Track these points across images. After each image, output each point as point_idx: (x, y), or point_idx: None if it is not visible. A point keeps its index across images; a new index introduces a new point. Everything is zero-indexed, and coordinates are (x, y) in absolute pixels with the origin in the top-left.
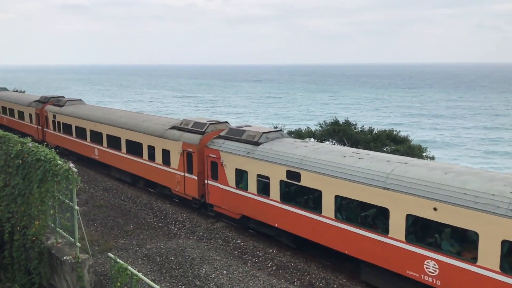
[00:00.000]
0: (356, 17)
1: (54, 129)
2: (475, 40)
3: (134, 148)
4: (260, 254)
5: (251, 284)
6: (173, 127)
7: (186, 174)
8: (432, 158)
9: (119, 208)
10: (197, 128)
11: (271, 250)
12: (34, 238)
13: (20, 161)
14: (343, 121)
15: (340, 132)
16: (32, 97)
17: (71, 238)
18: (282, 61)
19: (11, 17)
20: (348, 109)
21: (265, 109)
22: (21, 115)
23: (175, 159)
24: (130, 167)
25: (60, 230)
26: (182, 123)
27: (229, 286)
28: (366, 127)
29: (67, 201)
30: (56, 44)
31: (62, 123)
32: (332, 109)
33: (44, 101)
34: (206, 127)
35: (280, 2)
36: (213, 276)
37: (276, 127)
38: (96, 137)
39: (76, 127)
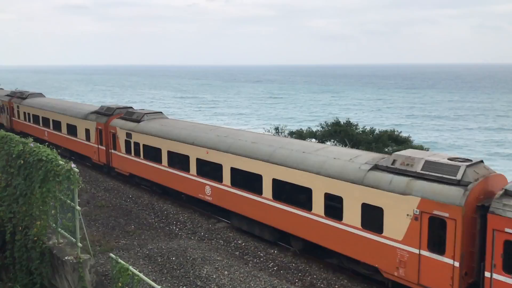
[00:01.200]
0: (357, 18)
1: (128, 152)
2: (477, 40)
3: (295, 195)
4: (261, 254)
5: (252, 285)
6: (386, 169)
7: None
8: None
9: (120, 209)
10: (446, 173)
11: (272, 251)
12: (35, 238)
13: (22, 161)
14: (344, 122)
15: (341, 133)
16: (86, 106)
17: (72, 238)
18: (284, 61)
19: (13, 17)
20: (350, 110)
21: (267, 109)
22: (71, 130)
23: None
24: (284, 223)
25: (62, 230)
26: (413, 161)
27: (230, 286)
28: (368, 128)
29: (69, 201)
30: (57, 44)
31: (143, 145)
32: (334, 109)
33: (107, 113)
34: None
35: (282, 2)
36: (214, 276)
37: (277, 128)
38: (210, 170)
39: (169, 152)
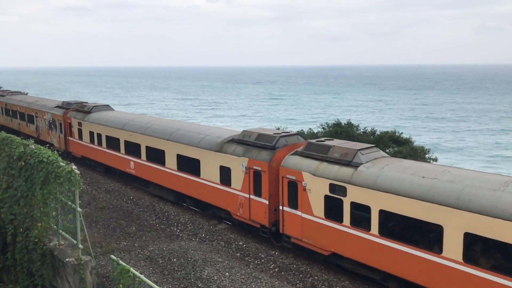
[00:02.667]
0: (358, 18)
1: (333, 216)
2: (478, 41)
3: None
4: (262, 256)
5: (253, 286)
6: None
7: None
8: (435, 160)
9: (121, 210)
10: None
11: (273, 252)
12: (36, 240)
13: (23, 163)
14: (345, 123)
15: (342, 134)
16: (210, 129)
17: (73, 240)
18: (285, 62)
19: (14, 19)
20: (352, 111)
21: (268, 111)
22: (188, 165)
23: None
24: None
25: (63, 232)
26: None
27: None
28: (369, 129)
29: (70, 203)
30: (58, 46)
31: (383, 212)
32: (336, 111)
33: (266, 144)
34: None
35: (282, 3)
36: (215, 278)
37: (279, 129)
38: None
39: (470, 237)
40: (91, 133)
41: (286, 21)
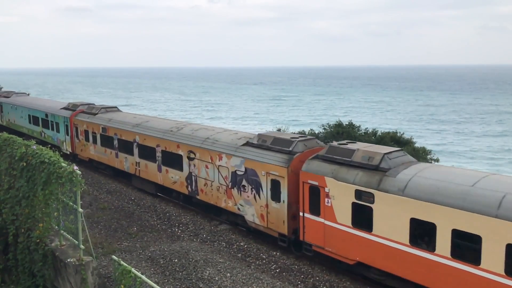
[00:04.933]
0: (359, 19)
1: None
2: (480, 41)
3: None
4: (264, 256)
5: (254, 287)
6: None
7: None
8: (437, 160)
9: (122, 211)
10: None
11: (274, 253)
12: (38, 241)
13: (24, 164)
14: (347, 123)
15: (343, 134)
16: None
17: (75, 240)
18: (286, 63)
19: (16, 20)
20: (355, 112)
21: (269, 111)
22: None
23: None
24: None
25: (64, 233)
26: None
27: None
28: (370, 129)
29: (71, 203)
30: (60, 47)
31: None
32: (338, 112)
33: None
34: None
35: (284, 4)
36: (216, 278)
37: (280, 129)
38: None
39: None
40: (416, 224)
41: (287, 21)
